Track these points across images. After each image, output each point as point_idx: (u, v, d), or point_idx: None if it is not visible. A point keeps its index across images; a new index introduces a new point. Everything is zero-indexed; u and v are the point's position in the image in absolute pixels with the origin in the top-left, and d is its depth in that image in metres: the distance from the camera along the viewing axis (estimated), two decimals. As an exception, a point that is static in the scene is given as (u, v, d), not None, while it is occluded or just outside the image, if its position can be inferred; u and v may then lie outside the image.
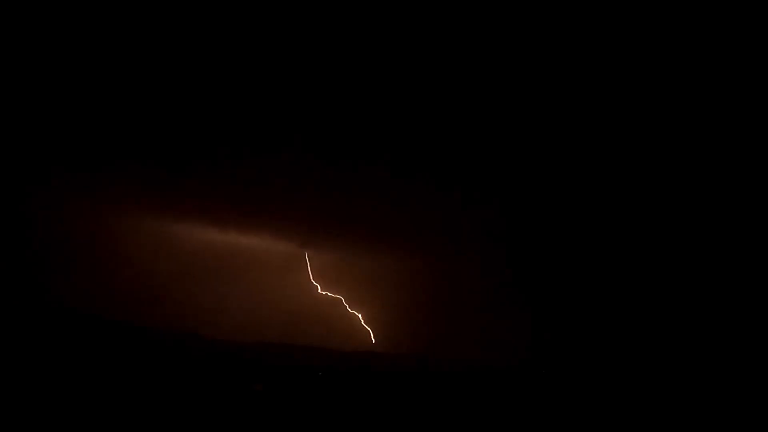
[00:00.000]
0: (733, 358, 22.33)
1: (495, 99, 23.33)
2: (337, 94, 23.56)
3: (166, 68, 22.87)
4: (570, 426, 16.57)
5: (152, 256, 26.50)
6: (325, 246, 27.55)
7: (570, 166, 24.57)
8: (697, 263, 23.81)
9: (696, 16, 20.46)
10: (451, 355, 26.41)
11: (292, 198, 25.94)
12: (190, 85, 23.18)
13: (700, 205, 23.57)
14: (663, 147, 23.34)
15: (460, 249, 26.52)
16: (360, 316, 26.91)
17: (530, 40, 21.74)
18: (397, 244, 27.10)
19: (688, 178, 23.47)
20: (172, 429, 13.38)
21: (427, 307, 26.91)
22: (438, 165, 25.16)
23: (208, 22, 21.78)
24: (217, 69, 22.90)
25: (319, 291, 27.07)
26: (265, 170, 25.28)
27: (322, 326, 26.86)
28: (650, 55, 21.62)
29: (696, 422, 17.10)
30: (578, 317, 25.47)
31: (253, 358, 23.99)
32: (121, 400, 15.20)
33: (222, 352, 24.04)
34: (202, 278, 26.82)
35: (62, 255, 25.62)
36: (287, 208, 26.16)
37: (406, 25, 21.57)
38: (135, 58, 22.41)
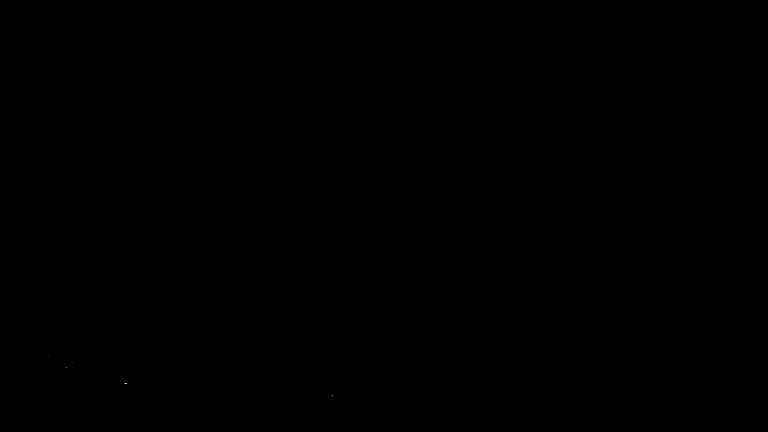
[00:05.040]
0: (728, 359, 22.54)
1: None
2: (335, 95, 23.86)
3: (164, 68, 23.11)
4: (570, 426, 16.68)
5: (152, 257, 26.73)
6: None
7: (566, 170, 24.92)
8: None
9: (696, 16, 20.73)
10: (451, 355, 26.63)
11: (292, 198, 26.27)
12: (187, 84, 23.39)
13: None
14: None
15: (461, 250, 26.85)
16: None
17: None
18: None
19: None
20: (173, 428, 13.47)
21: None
22: (438, 165, 25.49)
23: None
24: (216, 70, 23.12)
25: (320, 291, 27.32)
26: (265, 170, 25.60)
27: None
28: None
29: (694, 422, 17.21)
30: (579, 317, 25.79)
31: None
32: (123, 399, 15.32)
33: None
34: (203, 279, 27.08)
35: (62, 254, 25.85)
36: (287, 208, 26.46)
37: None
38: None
